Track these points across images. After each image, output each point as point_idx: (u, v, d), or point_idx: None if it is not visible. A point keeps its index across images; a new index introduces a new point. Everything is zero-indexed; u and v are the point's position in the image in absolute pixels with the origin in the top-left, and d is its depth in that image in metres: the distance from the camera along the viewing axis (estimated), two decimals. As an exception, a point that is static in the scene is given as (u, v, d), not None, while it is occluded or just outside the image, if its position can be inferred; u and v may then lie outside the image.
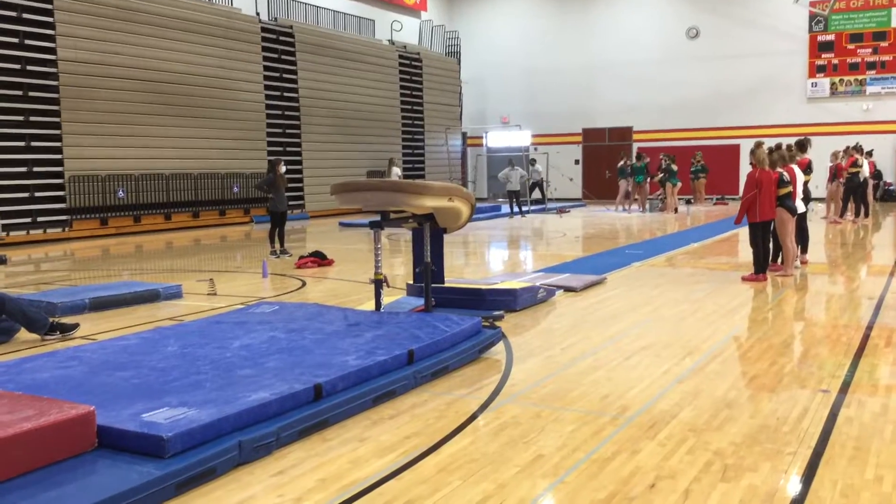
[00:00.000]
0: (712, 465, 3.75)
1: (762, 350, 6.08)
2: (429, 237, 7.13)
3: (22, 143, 16.09)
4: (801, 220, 10.36)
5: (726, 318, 7.30)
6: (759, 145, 9.57)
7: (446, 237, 7.96)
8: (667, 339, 6.46)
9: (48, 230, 16.72)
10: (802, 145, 10.99)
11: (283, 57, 22.49)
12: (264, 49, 21.81)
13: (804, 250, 10.73)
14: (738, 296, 8.51)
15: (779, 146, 9.97)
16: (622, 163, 23.47)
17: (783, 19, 27.09)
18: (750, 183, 9.27)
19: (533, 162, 24.35)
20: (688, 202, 25.42)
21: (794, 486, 3.53)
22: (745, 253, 12.46)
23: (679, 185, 23.25)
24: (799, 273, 10.07)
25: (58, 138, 16.71)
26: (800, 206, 9.95)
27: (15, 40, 15.83)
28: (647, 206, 23.51)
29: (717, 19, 27.93)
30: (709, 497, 3.40)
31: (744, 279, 9.46)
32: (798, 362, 5.75)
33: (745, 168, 26.93)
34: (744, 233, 15.22)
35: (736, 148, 27.42)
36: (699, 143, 27.43)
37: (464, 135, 31.48)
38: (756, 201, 9.18)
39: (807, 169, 10.85)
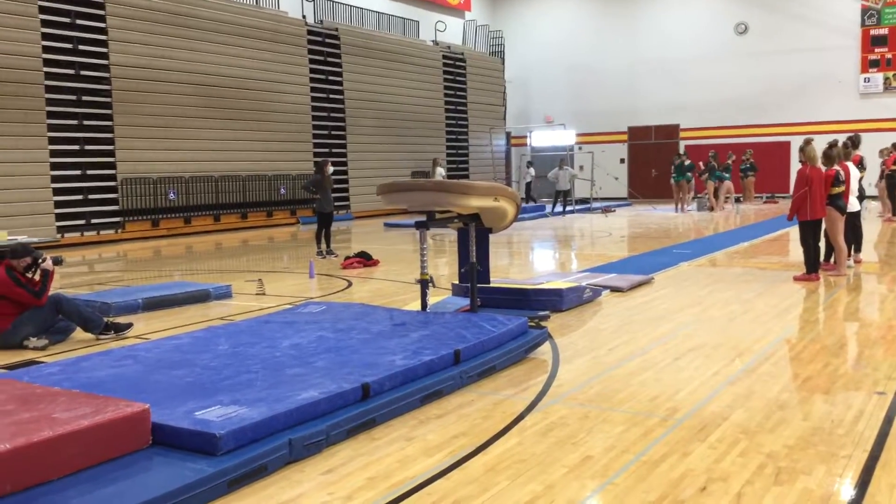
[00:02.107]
0: (765, 468, 3.68)
1: (815, 351, 5.96)
2: (474, 237, 7.13)
3: (76, 147, 16.48)
4: (855, 219, 10.13)
5: (778, 319, 7.17)
6: (808, 142, 9.40)
7: (491, 237, 7.96)
8: (717, 339, 6.37)
9: (101, 232, 17.11)
10: (855, 141, 10.74)
11: (329, 59, 22.69)
12: (310, 52, 22.03)
13: (857, 249, 10.49)
14: (789, 296, 8.35)
15: (835, 143, 9.77)
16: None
17: (834, 13, 26.50)
18: (800, 180, 9.10)
19: (529, 164, 24.68)
20: (737, 200, 24.99)
21: (849, 490, 3.46)
22: (796, 252, 12.22)
23: (725, 182, 22.94)
24: (852, 272, 9.84)
25: (110, 142, 17.09)
26: (854, 204, 9.74)
27: (69, 46, 16.23)
28: (690, 205, 23.18)
29: (766, 14, 27.44)
30: (762, 500, 3.34)
31: (796, 279, 9.28)
32: (852, 364, 5.62)
33: (795, 166, 26.41)
34: (795, 232, 14.93)
35: (786, 145, 26.89)
36: (749, 141, 26.97)
37: (508, 134, 31.41)
38: (807, 199, 9.00)
39: (859, 165, 10.61)
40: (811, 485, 3.49)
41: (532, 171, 26.06)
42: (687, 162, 22.90)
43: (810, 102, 26.70)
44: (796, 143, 26.40)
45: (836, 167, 9.23)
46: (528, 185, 24.34)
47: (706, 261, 11.49)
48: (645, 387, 5.08)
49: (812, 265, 9.24)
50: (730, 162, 23.14)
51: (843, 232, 9.51)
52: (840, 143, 9.91)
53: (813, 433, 4.14)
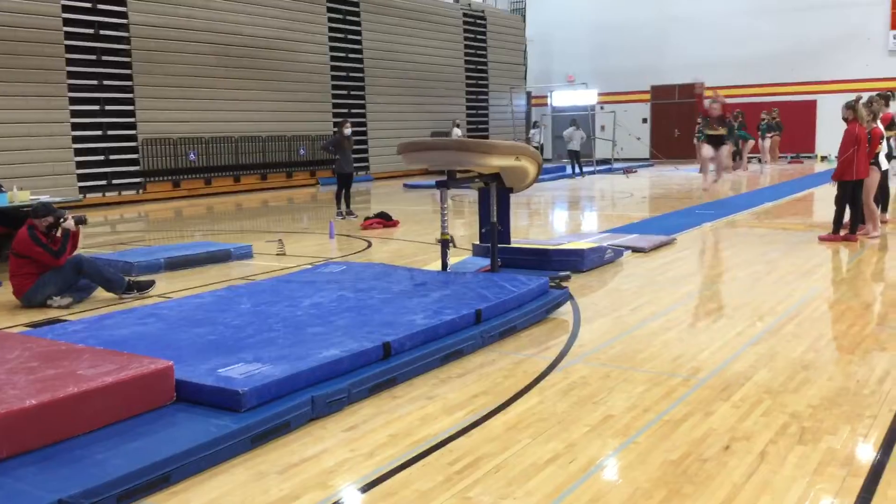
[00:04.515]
0: (789, 428, 3.66)
1: (840, 312, 5.89)
2: (495, 197, 7.08)
3: (97, 107, 16.50)
4: (883, 179, 9.96)
5: (802, 280, 7.09)
6: (858, 100, 9.21)
7: (511, 198, 7.91)
8: (740, 300, 6.31)
9: (123, 192, 17.19)
10: (887, 99, 10.51)
11: (348, 17, 22.46)
12: (329, 10, 21.81)
13: (884, 209, 10.33)
14: (814, 257, 8.25)
15: (858, 99, 9.58)
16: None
17: (865, -32, 25.82)
18: (849, 140, 8.89)
19: (535, 125, 24.79)
20: (759, 161, 24.63)
21: (874, 450, 3.42)
22: (821, 213, 12.07)
23: (750, 142, 22.70)
24: (878, 233, 9.70)
25: (131, 102, 17.09)
26: (883, 164, 9.57)
27: (88, 5, 16.16)
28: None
29: (794, -31, 26.78)
30: (785, 459, 3.32)
31: (821, 239, 9.16)
32: (877, 324, 5.55)
33: (823, 125, 25.98)
34: (820, 192, 14.73)
35: (812, 104, 26.42)
36: (774, 100, 26.48)
37: (528, 94, 31.07)
38: (854, 159, 8.84)
39: (890, 124, 10.40)
40: (835, 445, 3.46)
41: (539, 131, 26.25)
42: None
43: (838, 60, 26.13)
44: (823, 101, 26.10)
45: (878, 125, 9.09)
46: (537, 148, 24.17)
47: (729, 221, 11.36)
48: (667, 347, 5.06)
49: (840, 225, 9.11)
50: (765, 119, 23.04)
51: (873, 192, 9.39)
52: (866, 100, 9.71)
53: (837, 394, 4.10)
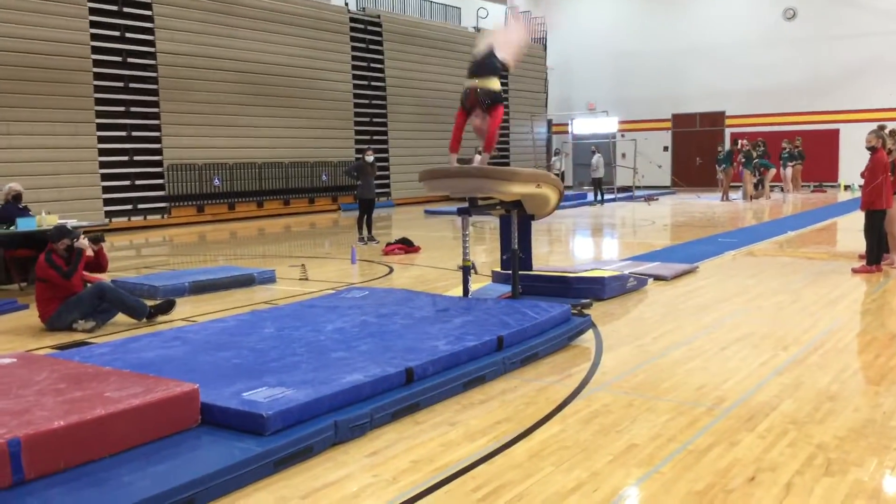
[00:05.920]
0: (815, 459, 3.62)
1: (866, 342, 5.84)
2: (516, 224, 7.10)
3: (123, 133, 16.75)
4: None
5: (827, 309, 7.03)
6: (883, 128, 9.16)
7: (532, 225, 7.93)
8: (764, 329, 6.26)
9: (148, 217, 17.40)
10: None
11: (371, 46, 22.73)
12: (352, 39, 22.09)
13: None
14: (838, 286, 8.18)
15: (882, 127, 9.54)
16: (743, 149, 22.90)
17: (886, -3, 25.79)
18: (879, 167, 8.78)
19: (557, 153, 24.74)
20: (781, 189, 24.52)
21: (903, 483, 3.38)
22: (844, 242, 11.99)
23: (772, 170, 22.59)
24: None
25: (157, 128, 17.34)
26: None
27: (116, 34, 16.48)
28: (735, 194, 22.82)
29: (815, -1, 26.81)
30: (812, 491, 3.29)
31: (854, 271, 9.01)
32: (905, 355, 5.49)
33: (845, 154, 25.86)
34: (845, 221, 14.63)
35: (835, 133, 26.30)
36: (796, 129, 26.40)
37: (549, 122, 31.17)
38: (883, 187, 8.77)
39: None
40: (863, 476, 3.43)
41: (560, 159, 26.29)
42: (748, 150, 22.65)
43: (860, 89, 26.03)
44: (845, 130, 25.98)
45: None
46: (559, 175, 24.27)
47: (752, 250, 11.30)
48: (691, 376, 5.03)
49: (875, 256, 9.00)
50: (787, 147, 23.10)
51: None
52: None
53: (864, 425, 4.06)
